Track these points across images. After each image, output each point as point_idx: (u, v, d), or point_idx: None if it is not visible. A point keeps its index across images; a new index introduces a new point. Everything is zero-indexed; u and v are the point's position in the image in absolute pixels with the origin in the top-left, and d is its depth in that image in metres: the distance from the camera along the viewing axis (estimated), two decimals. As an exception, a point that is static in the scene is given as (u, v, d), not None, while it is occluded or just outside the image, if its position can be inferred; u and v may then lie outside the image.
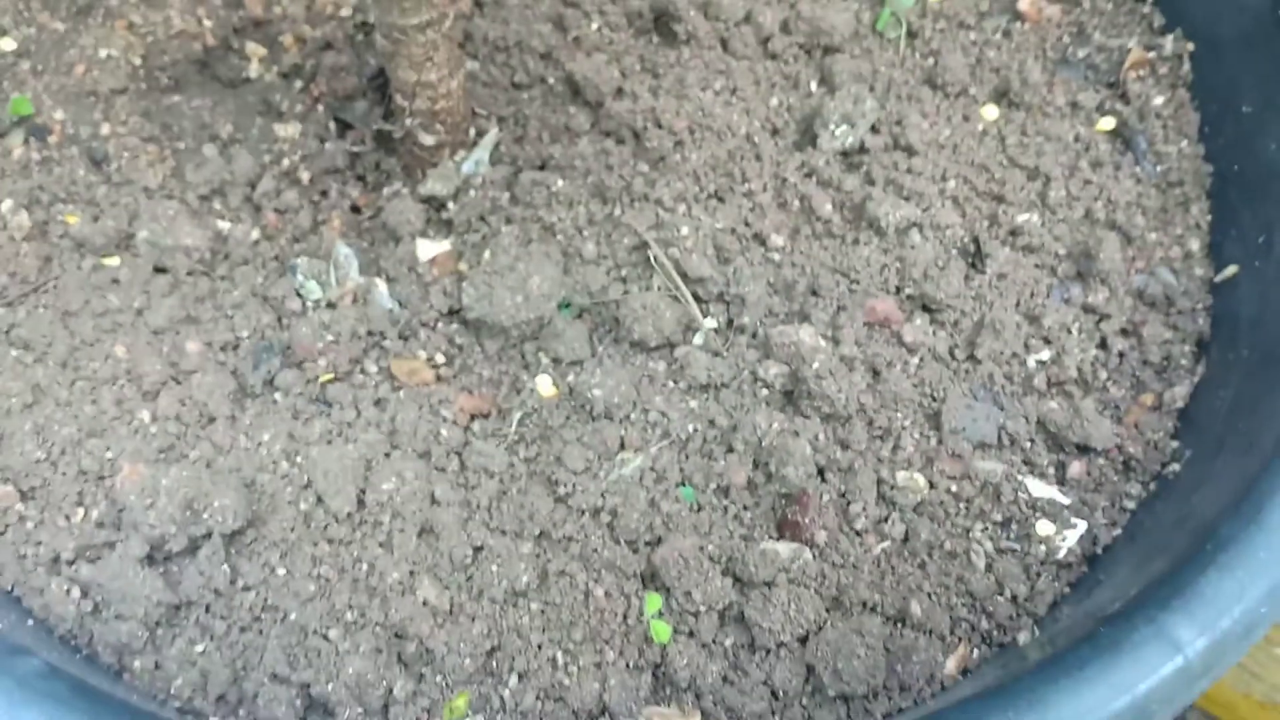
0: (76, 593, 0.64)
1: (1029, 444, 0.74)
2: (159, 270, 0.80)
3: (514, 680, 0.64)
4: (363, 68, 0.92)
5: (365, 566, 0.67)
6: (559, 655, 0.64)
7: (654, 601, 0.66)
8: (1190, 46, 0.88)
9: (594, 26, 0.92)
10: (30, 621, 0.62)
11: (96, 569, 0.64)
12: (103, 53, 0.89)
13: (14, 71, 0.87)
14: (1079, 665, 0.51)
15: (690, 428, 0.74)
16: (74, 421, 0.70)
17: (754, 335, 0.79)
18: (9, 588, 0.64)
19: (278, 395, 0.75)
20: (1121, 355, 0.77)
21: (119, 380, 0.73)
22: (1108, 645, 0.52)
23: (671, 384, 0.77)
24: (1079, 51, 0.90)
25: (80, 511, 0.67)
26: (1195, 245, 0.81)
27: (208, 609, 0.65)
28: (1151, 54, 0.89)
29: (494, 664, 0.64)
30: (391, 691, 0.62)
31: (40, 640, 0.60)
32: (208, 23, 0.93)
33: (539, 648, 0.65)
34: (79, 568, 0.65)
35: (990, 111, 0.88)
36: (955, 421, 0.74)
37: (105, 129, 0.86)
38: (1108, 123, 0.87)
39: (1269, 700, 1.23)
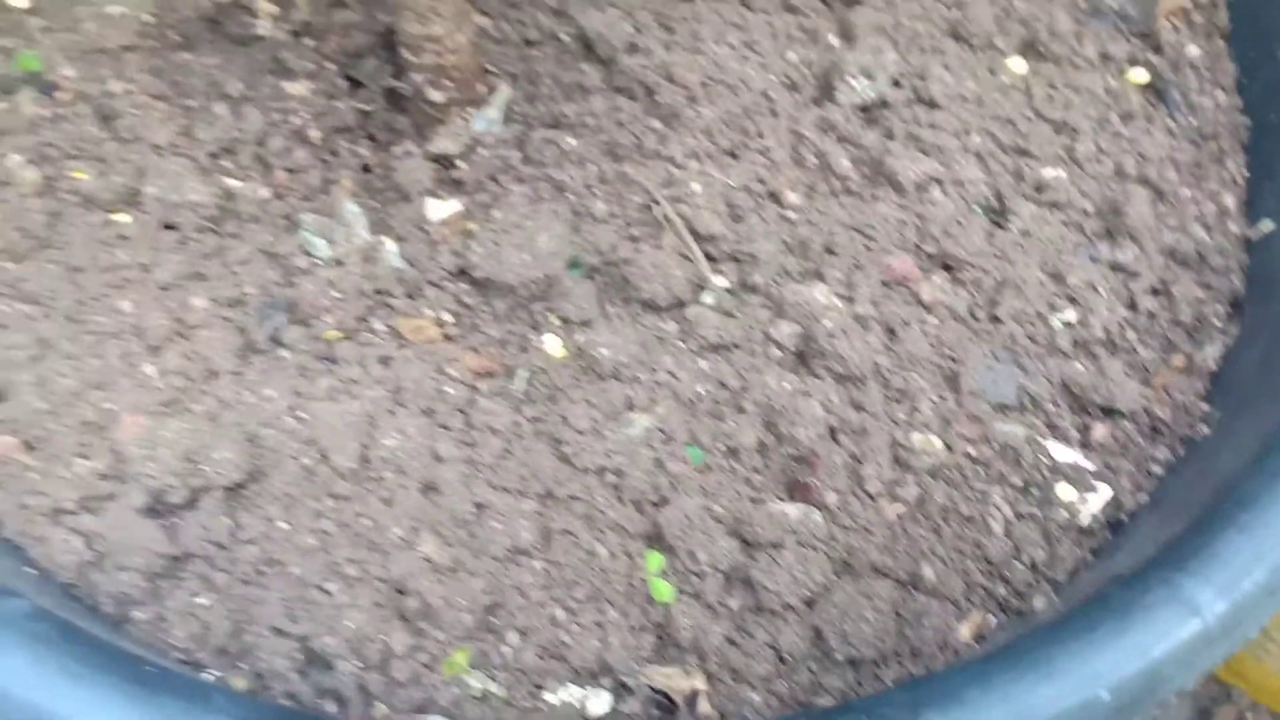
0: (78, 542, 0.64)
1: (1052, 406, 0.72)
2: (167, 227, 0.79)
3: (514, 637, 0.63)
4: (374, 25, 0.90)
5: (367, 522, 0.66)
6: (560, 613, 0.64)
7: (655, 560, 0.65)
8: (1228, -7, 0.84)
9: (608, -20, 0.90)
10: (32, 570, 0.62)
11: (97, 519, 0.64)
12: (112, 9, 0.89)
13: (23, 27, 0.87)
14: (1090, 627, 0.49)
15: (699, 388, 0.73)
16: (78, 374, 0.70)
17: (766, 295, 0.77)
18: (10, 536, 0.64)
19: (283, 351, 0.75)
20: (1151, 315, 0.75)
21: (124, 334, 0.73)
22: (1120, 607, 0.50)
23: (681, 344, 0.75)
24: (1110, 1, 0.87)
25: (82, 462, 0.67)
26: (1230, 201, 0.78)
27: (208, 561, 0.65)
28: (1186, 2, 0.86)
29: (494, 620, 0.64)
30: (391, 646, 0.62)
31: (40, 589, 0.60)
32: (219, -20, 0.92)
33: (540, 605, 0.64)
34: (80, 518, 0.65)
35: (1017, 64, 0.85)
36: (974, 383, 0.72)
37: (115, 86, 0.86)
38: (1140, 74, 0.84)
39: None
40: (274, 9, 0.92)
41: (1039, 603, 0.65)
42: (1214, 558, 0.50)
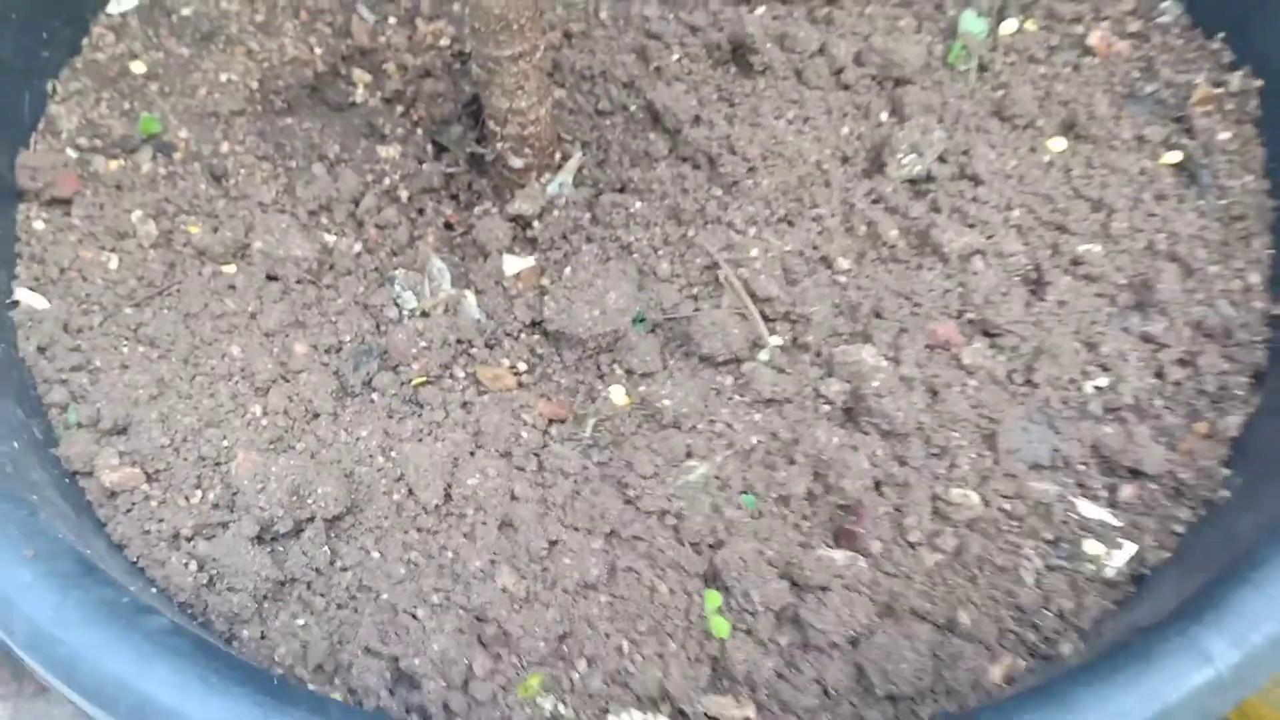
0: (194, 566, 0.71)
1: (1082, 467, 0.77)
2: (271, 278, 0.87)
3: (583, 664, 0.69)
4: (459, 94, 0.98)
5: (450, 554, 0.73)
6: (625, 644, 0.69)
7: (713, 599, 0.71)
8: (1259, 83, 0.90)
9: (675, 57, 0.98)
10: (153, 590, 0.69)
11: (212, 545, 0.71)
12: (223, 77, 0.97)
13: (143, 93, 0.96)
14: (1112, 671, 0.54)
15: (754, 439, 0.79)
16: (194, 412, 0.78)
17: (818, 354, 0.83)
18: (134, 559, 0.71)
19: (375, 395, 0.82)
20: (1178, 384, 0.80)
21: (234, 377, 0.80)
22: (1140, 654, 0.55)
23: (737, 397, 0.81)
24: (1147, 86, 0.93)
25: (199, 493, 0.74)
26: (1256, 278, 0.83)
27: (309, 586, 0.71)
28: (1219, 90, 0.91)
29: (565, 649, 0.69)
30: (472, 668, 0.68)
31: (163, 607, 0.67)
32: (318, 50, 1.00)
33: (606, 636, 0.70)
34: (196, 544, 0.72)
35: (1057, 143, 0.91)
36: (1011, 443, 0.77)
37: (225, 147, 0.94)
38: (1173, 156, 0.89)
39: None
40: (368, 78, 1.01)
41: (1066, 649, 0.70)
42: (1228, 611, 0.55)
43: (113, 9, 0.97)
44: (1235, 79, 0.91)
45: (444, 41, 1.01)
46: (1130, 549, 0.72)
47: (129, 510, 0.73)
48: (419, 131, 0.97)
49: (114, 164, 0.90)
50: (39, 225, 0.86)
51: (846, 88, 0.96)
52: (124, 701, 0.55)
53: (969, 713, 0.55)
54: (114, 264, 0.85)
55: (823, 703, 0.67)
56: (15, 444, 0.68)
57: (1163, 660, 0.55)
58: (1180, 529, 0.73)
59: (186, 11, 0.98)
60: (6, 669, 1.26)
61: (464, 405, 0.82)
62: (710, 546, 0.74)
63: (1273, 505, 0.63)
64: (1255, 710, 1.37)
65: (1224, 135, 0.89)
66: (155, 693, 0.54)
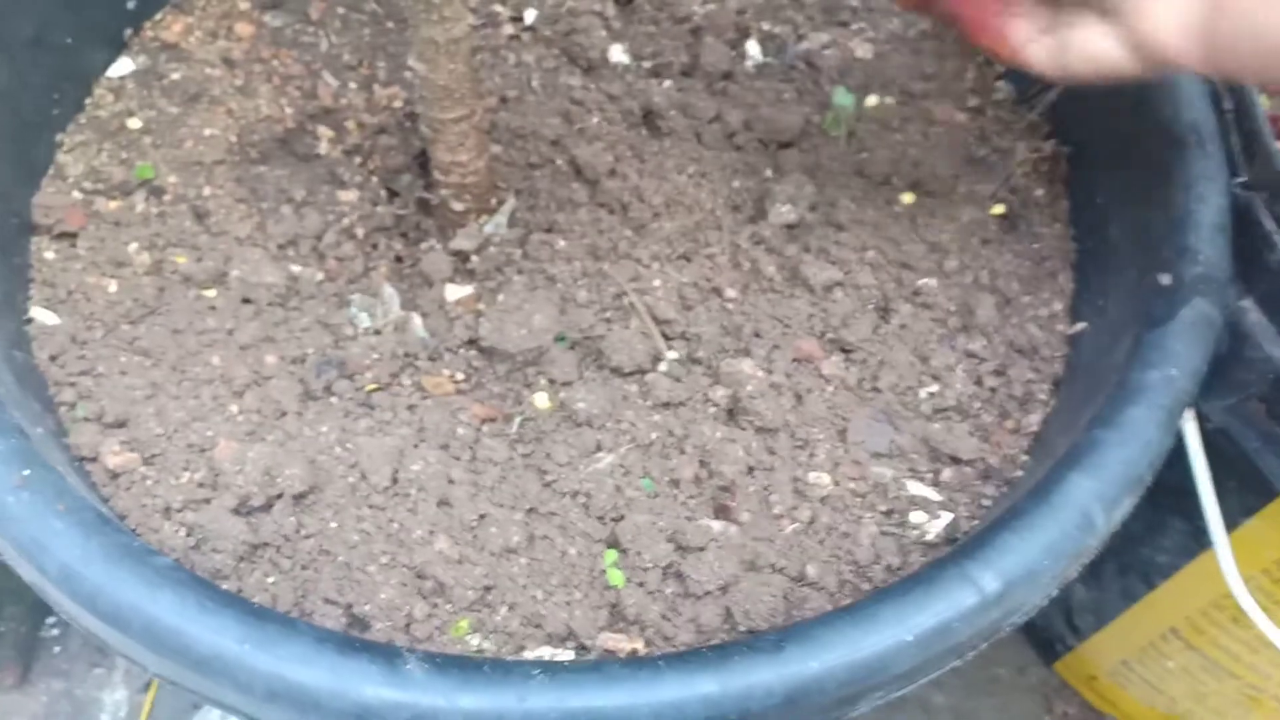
0: (183, 532, 0.85)
1: (914, 455, 0.94)
2: (246, 301, 1.02)
3: (504, 610, 0.84)
4: (409, 148, 1.15)
5: (396, 525, 0.88)
6: (539, 594, 0.85)
7: (611, 556, 0.87)
8: (1066, 149, 1.10)
9: (595, 120, 1.16)
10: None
11: (198, 515, 0.85)
12: (207, 131, 1.13)
13: (139, 144, 1.11)
14: (904, 594, 0.72)
15: (652, 435, 0.95)
16: (183, 409, 0.92)
17: (707, 366, 1.00)
18: (134, 527, 0.86)
19: (334, 398, 0.97)
20: (993, 390, 0.98)
21: (215, 381, 0.95)
22: (926, 582, 0.72)
23: (640, 401, 0.98)
24: (980, 151, 1.13)
25: (186, 474, 0.89)
26: (1059, 306, 1.02)
27: (278, 549, 0.86)
28: (1036, 154, 1.12)
29: (490, 598, 0.85)
30: (413, 613, 0.83)
31: (158, 563, 0.81)
32: (288, 110, 1.17)
33: (524, 588, 0.85)
34: (185, 514, 0.86)
35: (907, 197, 1.11)
36: (858, 436, 0.95)
37: (207, 190, 1.10)
38: (999, 208, 1.09)
39: (1170, 711, 1.41)
40: (331, 134, 1.17)
41: (896, 599, 0.87)
42: (993, 550, 0.72)
43: (112, 73, 1.13)
44: (1048, 146, 1.11)
45: (397, 103, 1.18)
46: (947, 518, 0.90)
47: (129, 488, 0.88)
48: (374, 179, 1.14)
49: (113, 204, 1.06)
50: (50, 255, 1.01)
51: (738, 148, 1.15)
52: (136, 623, 0.69)
53: (797, 624, 0.71)
54: (113, 288, 1.00)
55: (697, 637, 0.84)
56: (39, 429, 0.82)
57: (943, 587, 0.72)
58: (987, 502, 0.91)
59: (176, 76, 1.14)
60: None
61: (410, 407, 0.97)
62: (613, 520, 0.91)
63: (1042, 475, 0.81)
64: (1115, 694, 1.56)
65: (1039, 191, 1.09)
66: (162, 615, 0.69)
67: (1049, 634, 1.51)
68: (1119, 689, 1.40)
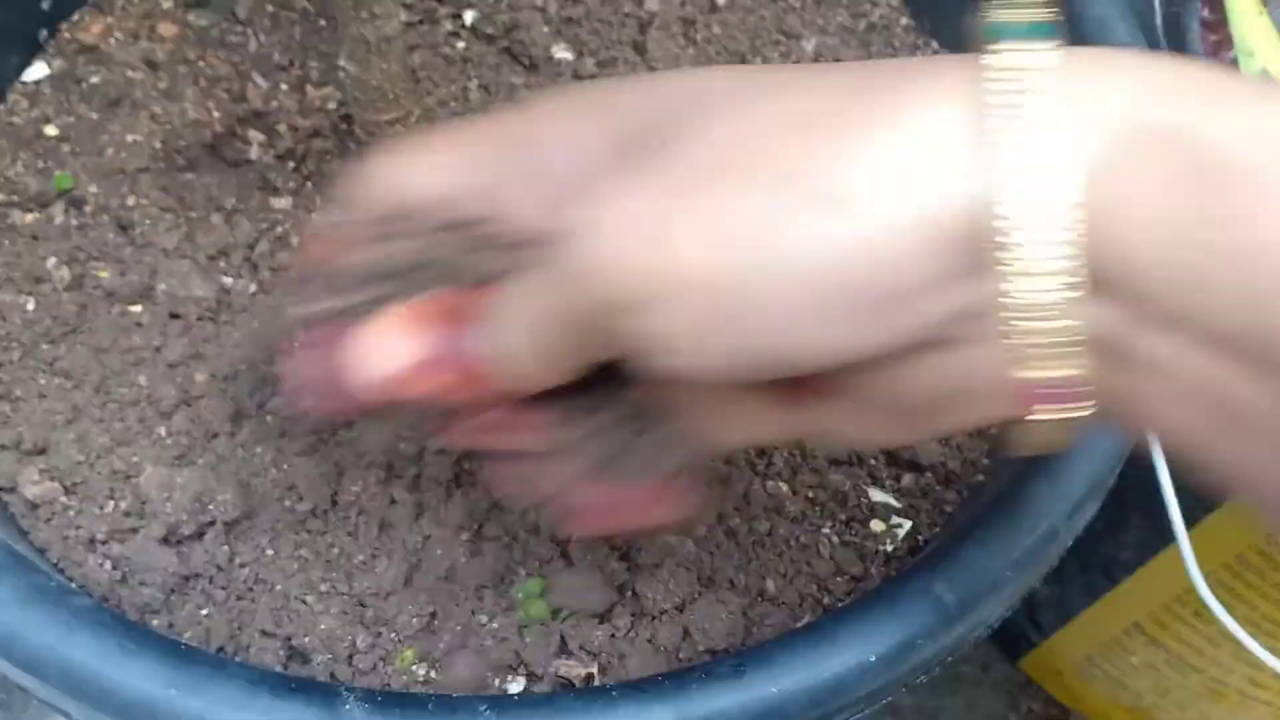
0: (109, 565, 0.80)
1: (874, 462, 0.92)
2: (174, 316, 0.97)
3: (449, 639, 0.81)
4: (345, 152, 1.11)
5: (336, 550, 0.84)
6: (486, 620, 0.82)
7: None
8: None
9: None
10: (73, 586, 0.78)
11: (124, 547, 0.81)
12: (129, 138, 1.08)
13: (56, 153, 1.06)
14: (865, 611, 0.69)
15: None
16: (107, 434, 0.88)
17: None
18: (55, 561, 0.81)
19: (269, 417, 0.93)
20: (952, 392, 0.96)
21: (141, 402, 0.91)
22: (888, 598, 0.70)
23: (590, 412, 0.95)
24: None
25: (111, 503, 0.84)
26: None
27: (211, 580, 0.82)
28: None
29: (435, 625, 0.81)
30: (355, 644, 0.79)
31: (80, 600, 0.77)
32: (216, 114, 1.12)
33: (471, 613, 0.82)
34: (111, 546, 0.82)
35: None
36: (818, 442, 0.92)
37: (131, 200, 1.05)
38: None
39: (1135, 705, 1.41)
40: (262, 138, 1.12)
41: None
42: (955, 563, 0.70)
43: (27, 77, 1.08)
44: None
45: (331, 105, 1.13)
46: (908, 525, 0.87)
47: (49, 519, 0.83)
48: (309, 185, 1.09)
49: (29, 216, 1.00)
50: (-40, 272, 0.95)
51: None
52: (54, 668, 0.65)
53: (757, 646, 0.68)
54: (31, 305, 0.95)
55: (655, 659, 0.81)
56: (-54, 462, 0.77)
57: (905, 603, 0.69)
58: (949, 508, 0.89)
59: (96, 80, 1.09)
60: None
61: (348, 425, 0.93)
62: (564, 538, 0.87)
63: (1004, 481, 0.78)
64: (1082, 690, 1.56)
65: None
66: (80, 659, 0.64)
67: (1013, 631, 1.51)
68: (1084, 684, 1.39)
